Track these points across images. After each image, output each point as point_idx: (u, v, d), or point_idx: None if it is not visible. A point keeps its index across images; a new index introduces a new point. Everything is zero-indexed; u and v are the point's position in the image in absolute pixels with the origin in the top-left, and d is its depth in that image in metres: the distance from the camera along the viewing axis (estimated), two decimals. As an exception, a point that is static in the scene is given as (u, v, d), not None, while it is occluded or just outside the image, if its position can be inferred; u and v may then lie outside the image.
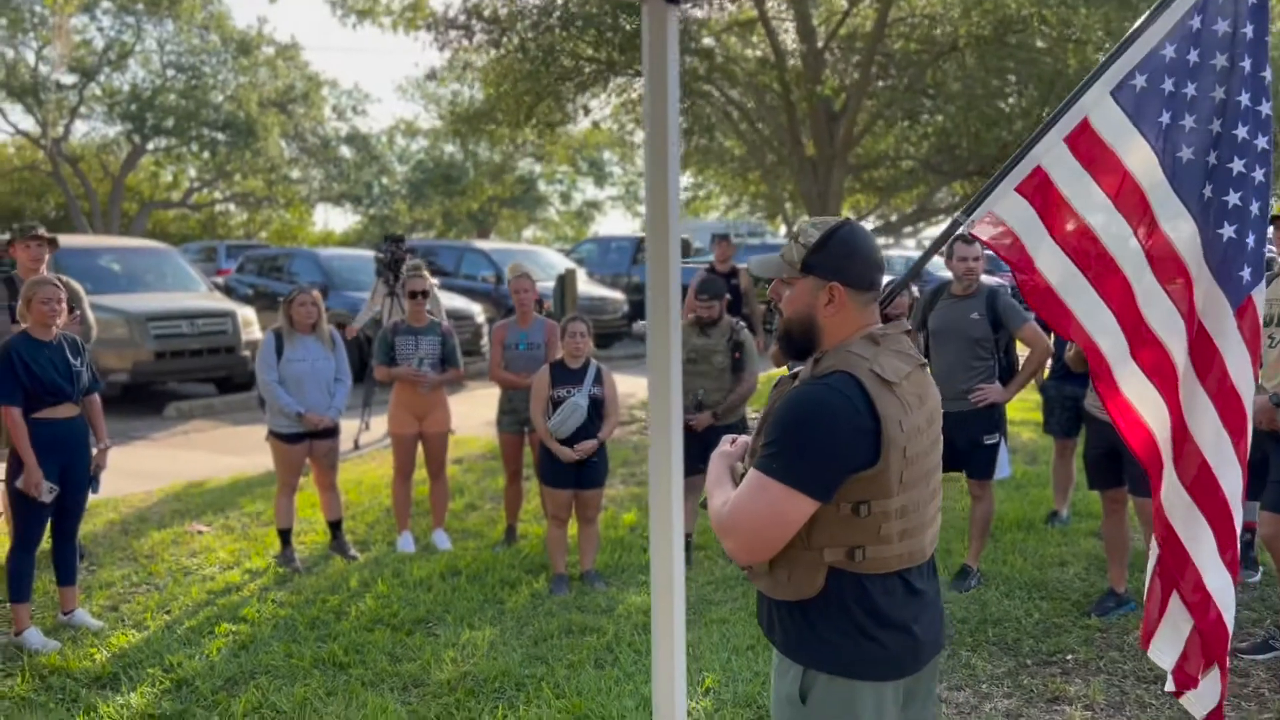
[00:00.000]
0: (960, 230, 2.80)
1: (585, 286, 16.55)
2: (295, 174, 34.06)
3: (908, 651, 2.17)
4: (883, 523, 2.08)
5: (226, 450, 9.26)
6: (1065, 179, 2.65)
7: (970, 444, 5.41)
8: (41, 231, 5.70)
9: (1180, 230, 2.66)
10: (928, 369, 2.26)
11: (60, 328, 4.86)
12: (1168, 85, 2.66)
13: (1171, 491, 2.70)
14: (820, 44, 11.62)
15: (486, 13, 10.49)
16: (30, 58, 29.00)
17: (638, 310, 17.03)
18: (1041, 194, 2.65)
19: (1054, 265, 2.66)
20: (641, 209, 40.07)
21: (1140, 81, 2.66)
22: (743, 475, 2.12)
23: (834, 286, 2.15)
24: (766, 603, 2.21)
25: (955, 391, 5.45)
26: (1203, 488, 2.65)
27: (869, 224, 16.29)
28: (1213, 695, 2.74)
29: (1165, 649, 2.80)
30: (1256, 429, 3.49)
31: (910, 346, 2.22)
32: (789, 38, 12.48)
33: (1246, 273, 2.65)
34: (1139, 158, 2.65)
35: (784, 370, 2.72)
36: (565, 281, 9.82)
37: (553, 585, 5.57)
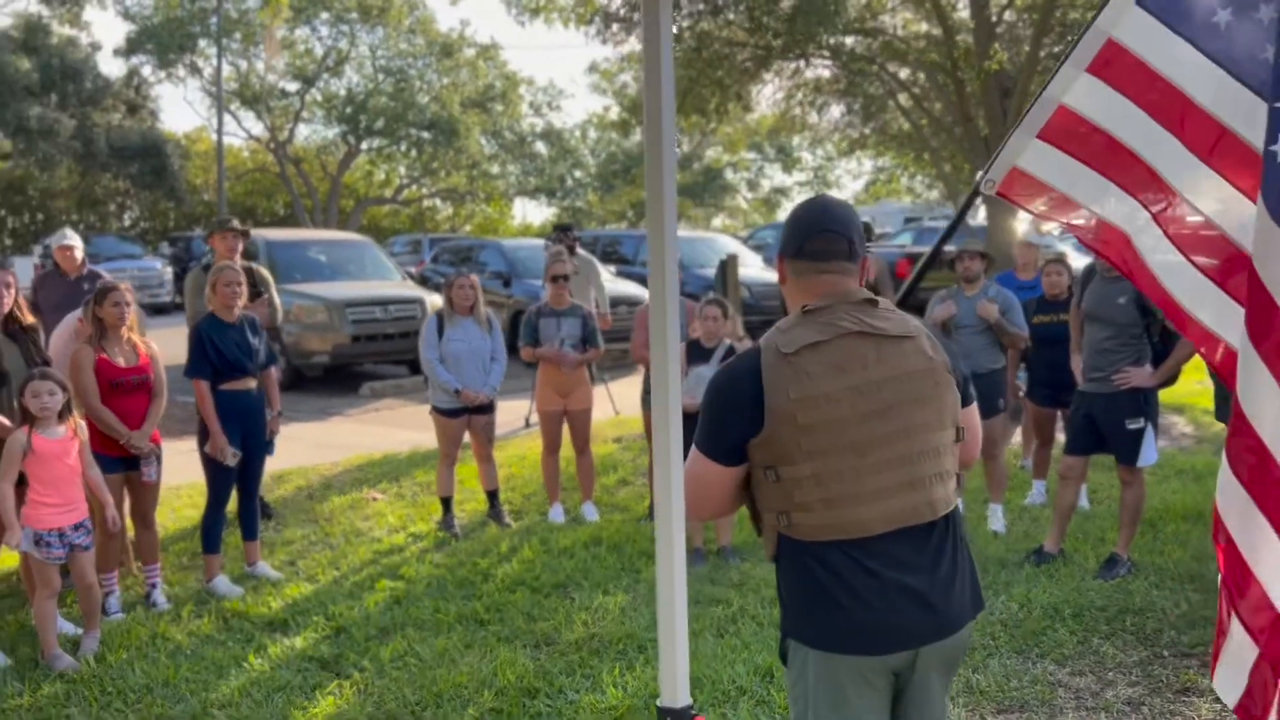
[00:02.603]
0: (983, 191, 2.60)
1: (759, 272, 16.60)
2: (494, 169, 35.61)
3: (858, 632, 2.10)
4: (794, 489, 2.12)
5: (410, 426, 9.93)
6: (1096, 108, 2.33)
7: (1115, 428, 5.22)
8: (235, 224, 6.35)
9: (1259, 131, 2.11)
10: (876, 338, 2.16)
11: (242, 309, 5.44)
12: None
13: (1227, 488, 2.26)
14: (993, 17, 11.20)
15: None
16: (260, 68, 31.61)
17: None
18: (1069, 133, 2.38)
19: (1100, 197, 2.39)
20: (830, 193, 39.57)
21: None
22: None
23: (781, 259, 2.32)
24: None
25: (1100, 373, 5.28)
26: (1264, 483, 2.18)
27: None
28: None
29: (1229, 681, 2.31)
30: None
31: (852, 316, 2.17)
32: (962, 14, 12.10)
33: None
34: (1181, 63, 2.24)
35: None
36: (726, 267, 9.96)
37: (690, 559, 5.75)
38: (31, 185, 31.78)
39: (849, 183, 36.21)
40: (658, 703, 1.99)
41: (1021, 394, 6.95)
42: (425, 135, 32.25)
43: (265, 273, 6.61)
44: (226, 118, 31.51)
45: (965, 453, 2.32)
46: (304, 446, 8.90)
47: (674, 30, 10.72)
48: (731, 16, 10.71)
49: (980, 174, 2.48)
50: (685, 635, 1.96)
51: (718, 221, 41.29)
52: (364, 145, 33.64)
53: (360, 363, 12.58)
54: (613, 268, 15.48)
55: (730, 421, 2.15)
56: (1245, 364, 2.20)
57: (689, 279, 15.14)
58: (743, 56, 11.18)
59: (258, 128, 34.01)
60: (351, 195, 36.14)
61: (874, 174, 24.30)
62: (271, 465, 7.61)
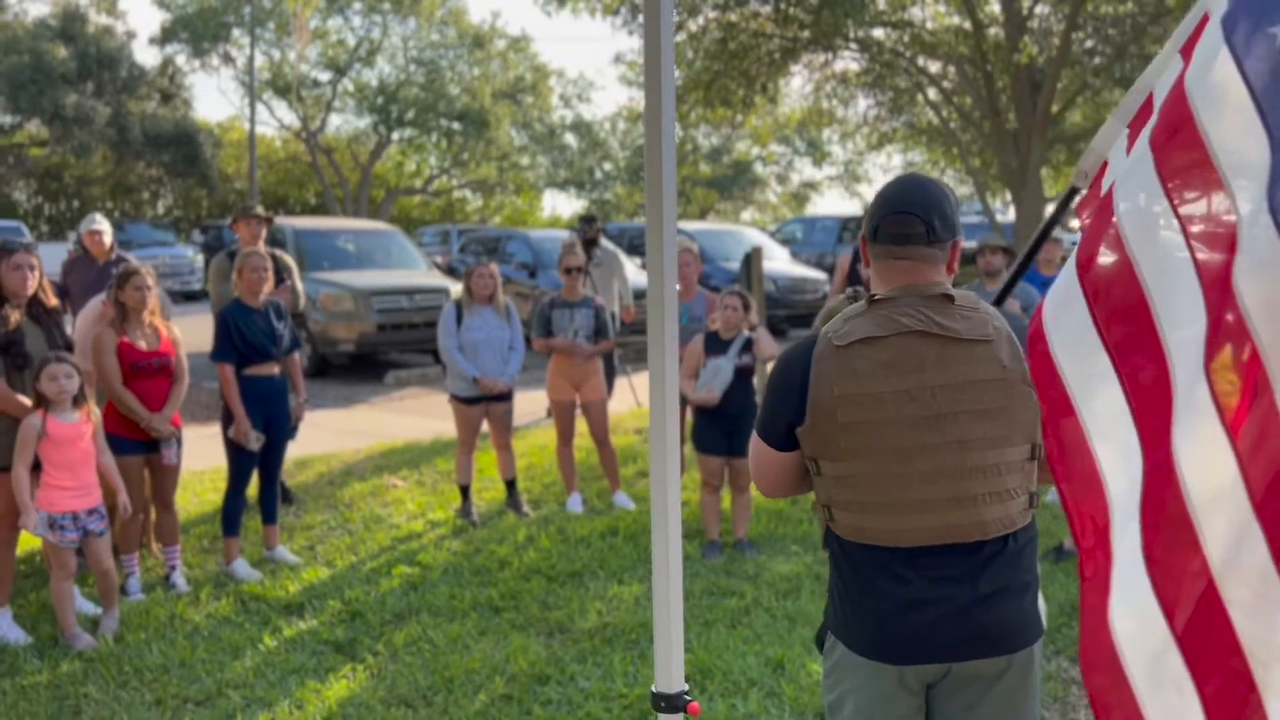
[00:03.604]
0: (1078, 185, 2.26)
1: (786, 266, 16.54)
2: (524, 161, 35.67)
3: (880, 638, 2.05)
4: (833, 486, 2.08)
5: (434, 415, 9.98)
6: (1161, 91, 1.84)
7: None
8: (259, 211, 6.40)
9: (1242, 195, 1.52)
10: (941, 339, 2.00)
11: (268, 294, 5.48)
12: None
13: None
14: (1024, 10, 11.07)
15: (675, -5, 10.66)
16: (293, 58, 31.82)
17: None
18: (1141, 124, 1.93)
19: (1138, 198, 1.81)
20: (859, 188, 39.25)
21: None
22: None
23: (863, 242, 2.18)
24: None
25: None
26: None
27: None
28: None
29: None
30: None
31: (919, 312, 2.01)
32: (993, 8, 11.98)
33: None
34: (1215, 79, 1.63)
35: None
36: (751, 260, 9.89)
37: (705, 550, 5.75)
38: (67, 172, 32.23)
39: (880, 177, 35.87)
40: (652, 688, 1.99)
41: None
42: (456, 126, 32.35)
43: (289, 259, 6.66)
44: (259, 107, 31.80)
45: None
46: (328, 433, 8.97)
47: (701, 22, 10.73)
48: (759, 8, 10.67)
49: (1079, 170, 2.19)
50: (680, 622, 1.96)
51: (747, 215, 41.16)
52: (395, 135, 33.80)
53: (386, 351, 12.65)
54: (639, 260, 15.46)
55: (779, 408, 2.11)
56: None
57: (714, 272, 15.10)
58: (769, 48, 11.13)
59: (290, 117, 34.37)
60: (382, 185, 36.33)
61: (904, 169, 24.10)
62: (294, 451, 7.69)
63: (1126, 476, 1.53)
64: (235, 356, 5.31)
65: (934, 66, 12.82)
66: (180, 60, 31.09)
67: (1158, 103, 1.78)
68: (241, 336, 5.31)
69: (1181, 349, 1.49)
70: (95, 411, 4.67)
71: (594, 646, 4.51)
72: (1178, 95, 1.62)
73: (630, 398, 9.94)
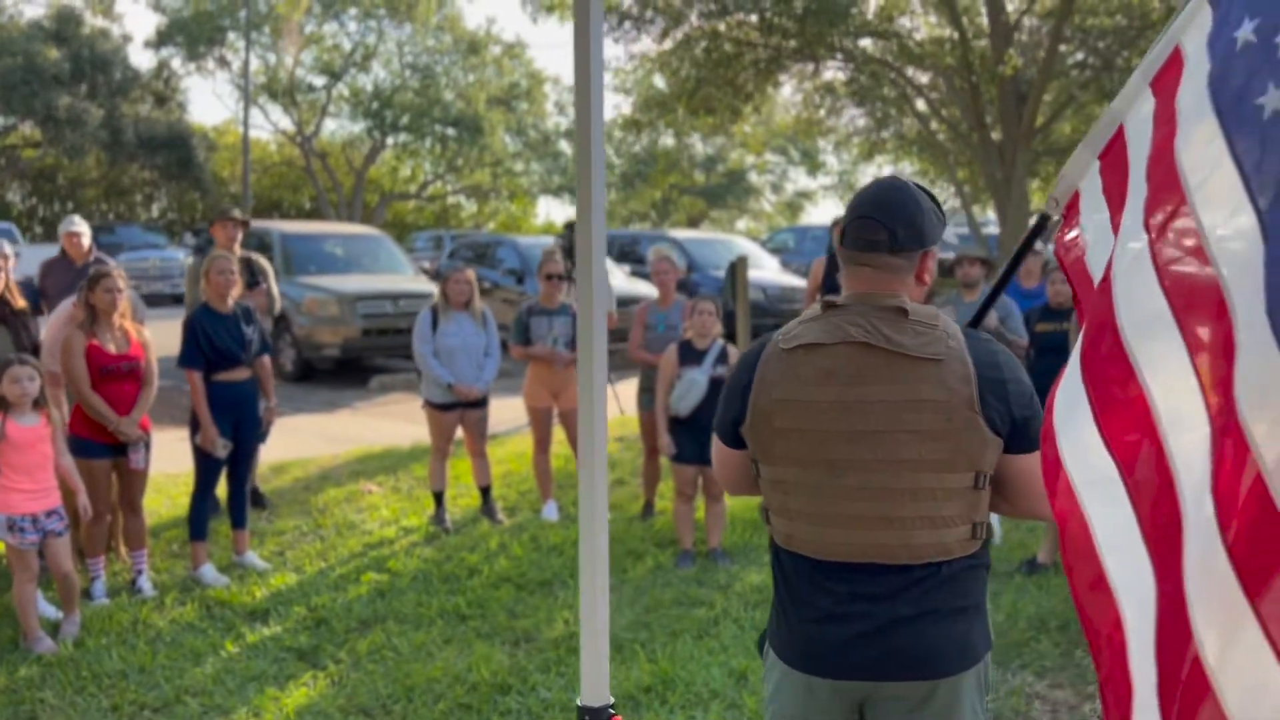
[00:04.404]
0: (1050, 214, 2.16)
1: (776, 275, 16.52)
2: (518, 167, 35.66)
3: (808, 648, 2.02)
4: (769, 490, 2.07)
5: (417, 420, 9.87)
6: (1136, 132, 1.76)
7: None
8: (236, 214, 6.37)
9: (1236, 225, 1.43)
10: (887, 353, 1.93)
11: (238, 297, 5.45)
12: None
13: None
14: (1011, 20, 11.10)
15: (660, 2, 10.70)
16: (289, 62, 31.83)
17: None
18: (1115, 160, 1.86)
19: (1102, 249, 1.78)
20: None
21: None
22: None
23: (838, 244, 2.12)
24: None
25: None
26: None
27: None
28: None
29: None
30: None
31: (867, 323, 1.95)
32: (980, 20, 12.01)
33: None
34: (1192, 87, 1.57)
35: None
36: (736, 269, 9.88)
37: (678, 560, 5.72)
38: (61, 174, 32.17)
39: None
40: (578, 701, 1.97)
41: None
42: (450, 132, 32.34)
43: (264, 262, 6.63)
44: (255, 111, 31.76)
45: (1019, 505, 2.01)
46: (308, 438, 8.93)
47: (685, 31, 10.74)
48: (744, 17, 10.66)
49: (1050, 197, 2.11)
50: (606, 635, 1.94)
51: (741, 224, 41.17)
52: (389, 141, 33.78)
53: (370, 356, 12.61)
54: (628, 267, 15.45)
55: (727, 405, 2.11)
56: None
57: (703, 280, 15.08)
58: (754, 57, 11.13)
59: (285, 121, 34.26)
60: (377, 190, 36.30)
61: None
62: (272, 456, 7.67)
63: (1139, 597, 1.43)
64: (203, 362, 5.27)
65: (922, 78, 12.85)
66: (176, 64, 31.09)
67: (1137, 154, 1.69)
68: (209, 342, 5.27)
69: (1184, 455, 1.40)
70: (55, 414, 4.63)
71: (559, 656, 4.48)
72: (1169, 172, 1.51)
73: (614, 406, 9.91)
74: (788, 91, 13.22)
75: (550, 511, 6.55)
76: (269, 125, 35.25)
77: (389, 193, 36.54)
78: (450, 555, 5.79)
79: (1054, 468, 1.52)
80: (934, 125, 13.59)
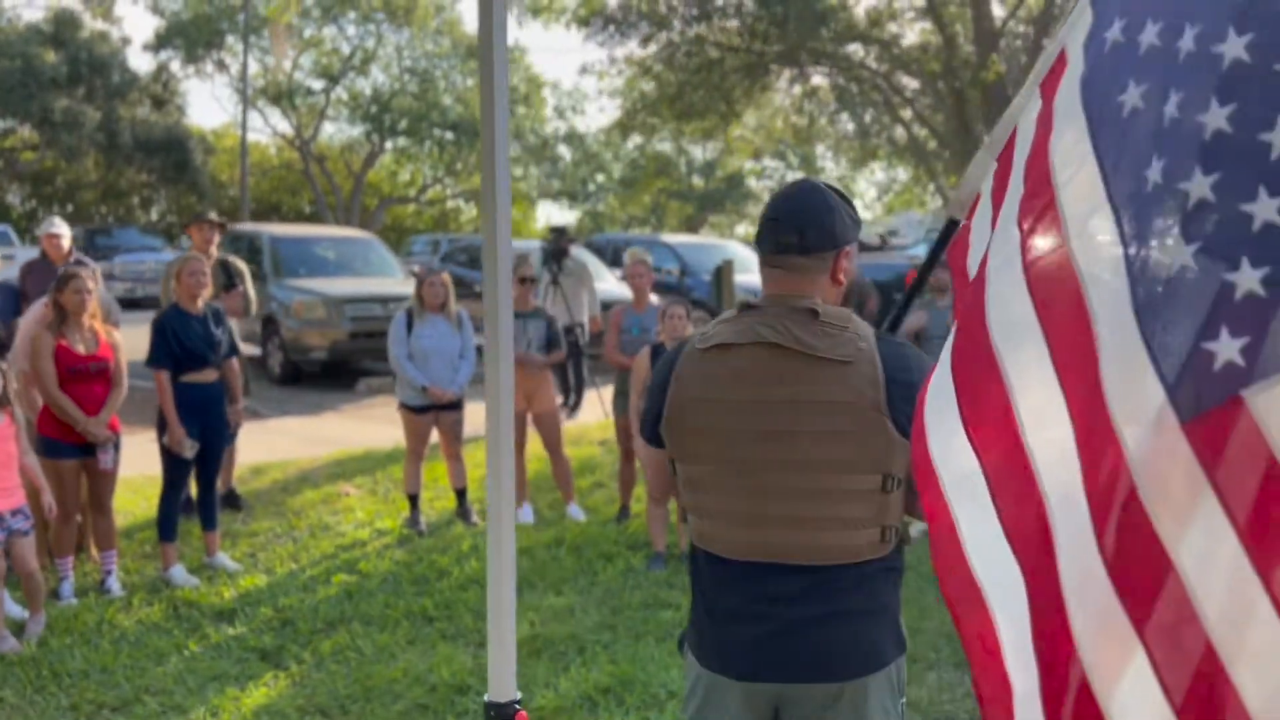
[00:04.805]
0: (956, 217, 2.08)
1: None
2: (517, 172, 35.68)
3: (718, 647, 2.03)
4: (684, 488, 2.09)
5: (401, 423, 9.95)
6: (1023, 134, 1.69)
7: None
8: (212, 216, 6.40)
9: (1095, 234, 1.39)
10: (798, 354, 1.93)
11: (211, 299, 5.47)
12: None
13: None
14: (995, 26, 11.11)
15: (644, 7, 10.71)
16: (284, 66, 31.89)
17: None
18: (1004, 162, 1.78)
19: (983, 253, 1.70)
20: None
21: None
22: None
23: None
24: None
25: None
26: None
27: None
28: None
29: None
30: None
31: (779, 324, 1.95)
32: (965, 27, 12.02)
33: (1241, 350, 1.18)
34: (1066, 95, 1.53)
35: None
36: (722, 273, 9.91)
37: (650, 562, 5.73)
38: (60, 177, 32.22)
39: (871, 192, 35.90)
40: (485, 698, 1.98)
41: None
42: (449, 136, 32.37)
43: (240, 264, 6.66)
44: (253, 114, 31.84)
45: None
46: (291, 440, 8.94)
47: (668, 36, 10.77)
48: (726, 22, 10.69)
49: (955, 201, 2.11)
50: (513, 630, 1.96)
51: (740, 229, 41.19)
52: (388, 144, 33.82)
53: (358, 359, 12.63)
54: (619, 271, 15.45)
55: (650, 403, 2.13)
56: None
57: (695, 284, 15.10)
58: (736, 62, 11.15)
59: (283, 125, 34.32)
60: (375, 194, 36.34)
61: (887, 185, 24.16)
62: (252, 458, 7.69)
63: (1012, 604, 1.39)
64: (171, 363, 5.28)
65: (908, 84, 12.85)
66: (174, 67, 31.15)
67: (1020, 154, 1.67)
68: (179, 342, 5.29)
69: (1045, 454, 1.38)
70: (19, 413, 4.65)
71: (520, 657, 4.47)
72: (1042, 171, 1.50)
73: (600, 409, 9.91)
74: (777, 97, 13.20)
75: (525, 514, 6.56)
76: (267, 129, 35.51)
77: (388, 196, 36.56)
78: (421, 557, 5.80)
79: (924, 465, 1.53)
80: (921, 133, 13.60)
